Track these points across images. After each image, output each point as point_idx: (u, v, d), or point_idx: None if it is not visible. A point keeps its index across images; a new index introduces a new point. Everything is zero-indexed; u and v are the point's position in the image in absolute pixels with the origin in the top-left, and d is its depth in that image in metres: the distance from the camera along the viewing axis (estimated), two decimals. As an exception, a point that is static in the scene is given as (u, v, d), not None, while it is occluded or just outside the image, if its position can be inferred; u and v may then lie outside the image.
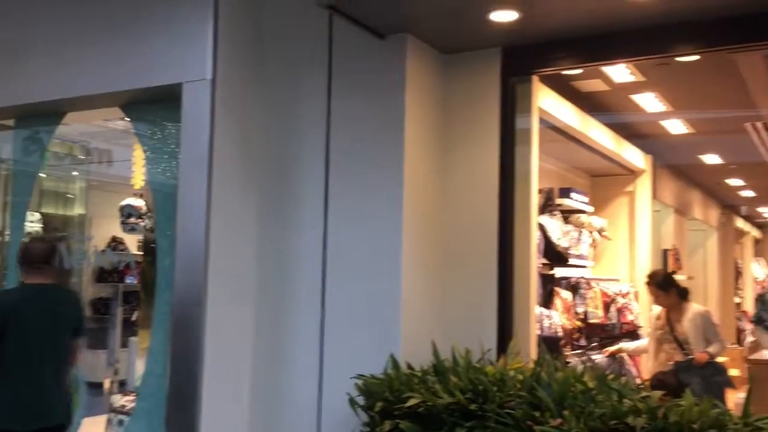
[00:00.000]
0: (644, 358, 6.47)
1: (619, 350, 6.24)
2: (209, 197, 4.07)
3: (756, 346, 9.28)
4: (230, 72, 4.24)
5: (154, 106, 4.54)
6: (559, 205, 5.94)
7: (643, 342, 6.23)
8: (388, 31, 4.10)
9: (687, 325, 5.41)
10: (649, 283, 5.70)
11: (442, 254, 4.37)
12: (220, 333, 4.11)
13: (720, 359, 5.74)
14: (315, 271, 4.26)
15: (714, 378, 5.28)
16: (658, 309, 5.74)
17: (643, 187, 7.60)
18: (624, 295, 6.59)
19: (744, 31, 3.75)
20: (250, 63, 4.43)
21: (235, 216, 4.30)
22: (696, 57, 4.43)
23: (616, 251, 7.55)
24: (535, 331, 4.40)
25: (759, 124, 6.64)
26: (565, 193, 6.10)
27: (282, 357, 4.32)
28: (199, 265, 4.03)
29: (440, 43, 4.34)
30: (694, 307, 5.59)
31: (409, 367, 3.80)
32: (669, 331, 5.49)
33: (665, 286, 5.51)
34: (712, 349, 5.35)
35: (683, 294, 5.56)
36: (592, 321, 6.14)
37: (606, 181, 7.68)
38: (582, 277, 6.21)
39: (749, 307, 12.98)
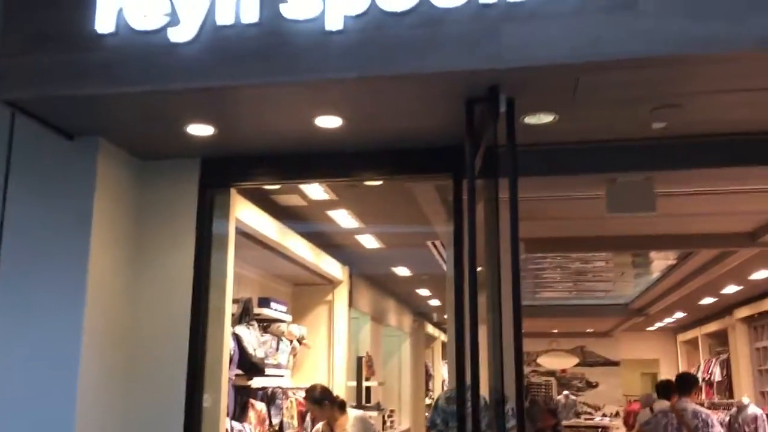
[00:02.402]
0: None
1: None
2: None
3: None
4: None
5: None
6: (258, 314, 5.99)
7: None
8: (78, 132, 3.94)
9: (350, 431, 5.61)
10: (306, 399, 5.72)
11: (127, 367, 4.13)
12: None
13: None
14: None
15: None
16: (320, 425, 5.72)
17: (341, 296, 8.01)
18: (319, 403, 6.73)
19: (414, 164, 4.25)
20: None
21: None
22: (379, 182, 4.92)
23: (316, 359, 7.78)
24: (223, 447, 4.30)
25: (437, 242, 7.46)
26: (264, 302, 6.19)
27: None
28: None
29: (137, 149, 4.27)
30: (352, 413, 5.80)
31: (79, 497, 3.44)
32: None
33: (320, 400, 5.58)
34: None
35: (342, 405, 5.73)
36: (287, 431, 6.16)
37: (307, 290, 7.97)
38: (279, 387, 6.26)
39: (438, 407, 14.05)
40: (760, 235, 6.70)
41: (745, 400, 9.96)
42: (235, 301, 5.48)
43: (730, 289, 10.96)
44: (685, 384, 6.36)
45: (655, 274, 11.12)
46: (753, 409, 9.51)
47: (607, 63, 3.07)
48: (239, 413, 5.46)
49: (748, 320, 12.85)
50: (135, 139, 4.10)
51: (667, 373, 19.42)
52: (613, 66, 3.11)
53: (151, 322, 4.23)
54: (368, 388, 8.82)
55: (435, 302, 12.92)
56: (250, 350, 5.36)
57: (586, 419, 17.20)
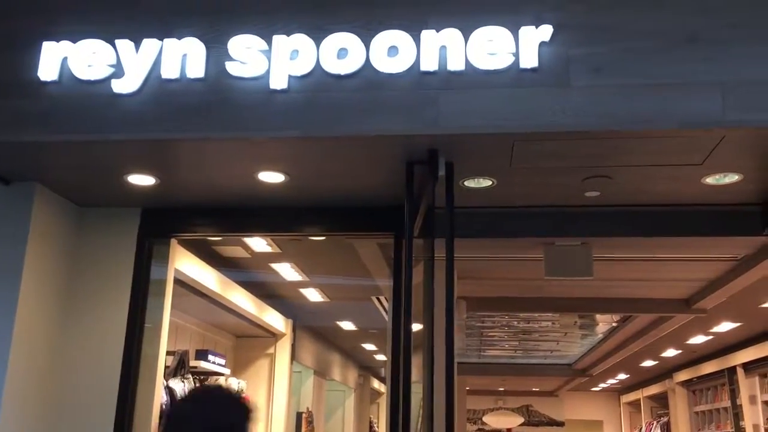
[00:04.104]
0: None
1: None
2: None
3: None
4: None
5: None
6: (194, 367, 5.88)
7: None
8: (15, 177, 3.88)
9: None
10: None
11: (51, 419, 4.00)
12: None
13: None
14: None
15: None
16: None
17: (283, 349, 7.93)
18: (255, 460, 6.58)
19: (356, 222, 4.29)
20: None
21: None
22: (323, 237, 4.94)
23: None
24: (148, 505, 4.15)
25: (382, 297, 7.46)
26: (202, 355, 6.08)
27: None
28: None
29: (76, 196, 4.22)
30: None
31: None
32: None
33: None
34: None
35: None
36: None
37: (249, 343, 7.87)
38: (213, 442, 6.09)
39: (380, 465, 13.82)
40: (694, 302, 6.89)
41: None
42: (171, 353, 5.38)
43: (670, 352, 11.17)
44: None
45: (598, 336, 11.28)
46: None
47: (539, 134, 3.19)
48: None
49: (687, 384, 13.08)
50: (74, 186, 4.06)
51: (610, 434, 19.55)
52: (545, 137, 3.23)
53: (80, 373, 4.12)
54: (307, 445, 8.67)
55: (381, 357, 12.84)
56: (184, 404, 5.22)
57: (530, 480, 17.12)
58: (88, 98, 3.40)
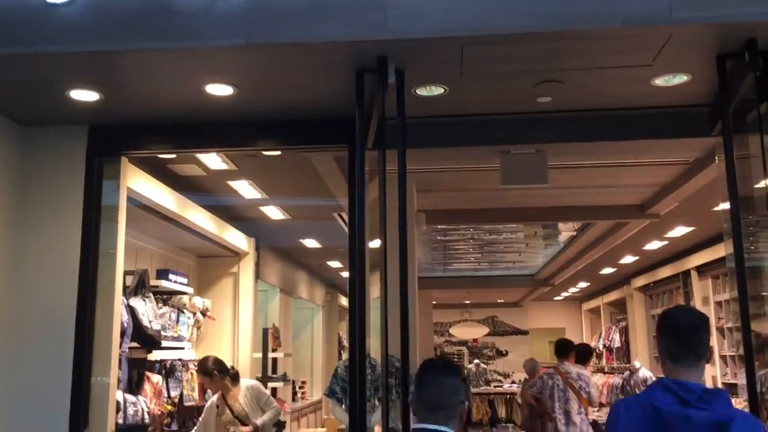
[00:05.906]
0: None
1: None
2: None
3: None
4: None
5: None
6: (156, 286, 5.89)
7: None
8: (-50, 96, 3.74)
9: (242, 401, 5.63)
10: (197, 371, 5.73)
11: (8, 338, 4.00)
12: None
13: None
14: None
15: None
16: (215, 397, 5.77)
17: (246, 268, 7.94)
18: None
19: (310, 135, 4.25)
20: None
21: None
22: (278, 152, 4.88)
23: (221, 331, 7.72)
24: (113, 420, 4.23)
25: (343, 214, 7.47)
26: (162, 274, 6.08)
27: None
28: None
29: (18, 115, 4.10)
30: (244, 383, 5.81)
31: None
32: (230, 413, 5.64)
33: (210, 372, 5.53)
34: (264, 418, 5.64)
35: (235, 377, 5.74)
36: (187, 404, 6.10)
37: (212, 262, 7.87)
38: (179, 359, 6.18)
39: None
40: (648, 207, 7.05)
41: (637, 364, 10.50)
42: (129, 273, 5.37)
43: (627, 259, 11.48)
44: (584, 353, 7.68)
45: (559, 246, 11.52)
46: (644, 373, 10.05)
47: (487, 37, 3.15)
48: (136, 386, 5.38)
49: (644, 289, 13.53)
50: (14, 103, 3.93)
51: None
52: (494, 40, 3.19)
53: (35, 296, 4.11)
54: (275, 360, 8.82)
55: (347, 274, 12.95)
56: (145, 322, 5.26)
57: (495, 386, 17.77)
58: (19, 9, 3.25)
